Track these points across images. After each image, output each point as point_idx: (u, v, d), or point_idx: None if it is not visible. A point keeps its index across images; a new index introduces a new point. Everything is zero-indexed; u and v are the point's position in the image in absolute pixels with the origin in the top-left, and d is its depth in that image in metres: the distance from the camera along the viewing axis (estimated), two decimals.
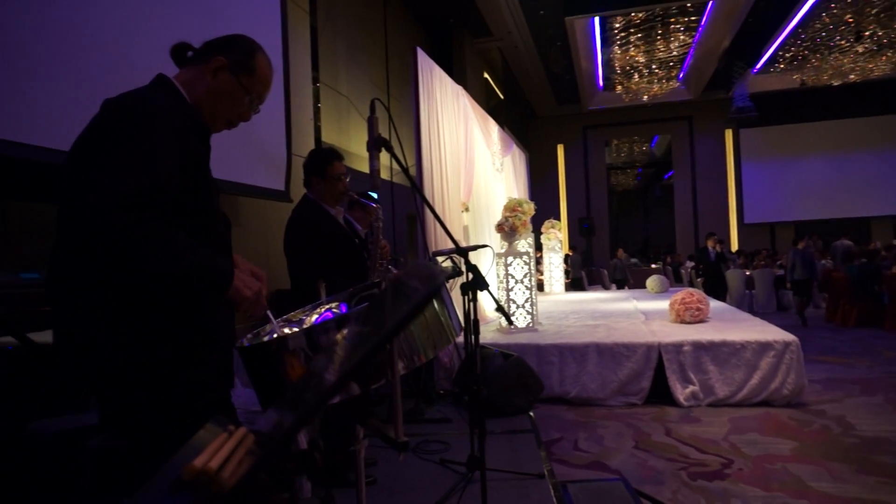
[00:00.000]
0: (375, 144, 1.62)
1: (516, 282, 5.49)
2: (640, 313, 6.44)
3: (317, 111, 6.18)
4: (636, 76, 13.18)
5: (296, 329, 1.61)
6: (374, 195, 3.23)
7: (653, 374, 4.49)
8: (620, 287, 13.32)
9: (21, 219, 2.58)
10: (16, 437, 1.89)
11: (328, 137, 6.77)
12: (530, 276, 5.53)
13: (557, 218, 12.06)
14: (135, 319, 1.30)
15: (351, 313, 1.31)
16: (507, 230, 5.58)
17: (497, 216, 7.06)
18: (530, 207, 5.92)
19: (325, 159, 2.85)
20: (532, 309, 5.53)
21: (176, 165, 1.32)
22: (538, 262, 10.47)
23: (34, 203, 2.60)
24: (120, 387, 1.30)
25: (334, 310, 1.72)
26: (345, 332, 1.19)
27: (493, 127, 8.65)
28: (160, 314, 1.32)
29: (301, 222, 2.80)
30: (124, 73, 2.79)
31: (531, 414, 4.06)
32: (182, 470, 0.74)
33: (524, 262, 5.51)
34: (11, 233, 2.54)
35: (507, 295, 5.49)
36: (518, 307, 5.48)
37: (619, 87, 14.00)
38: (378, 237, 2.85)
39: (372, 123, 1.65)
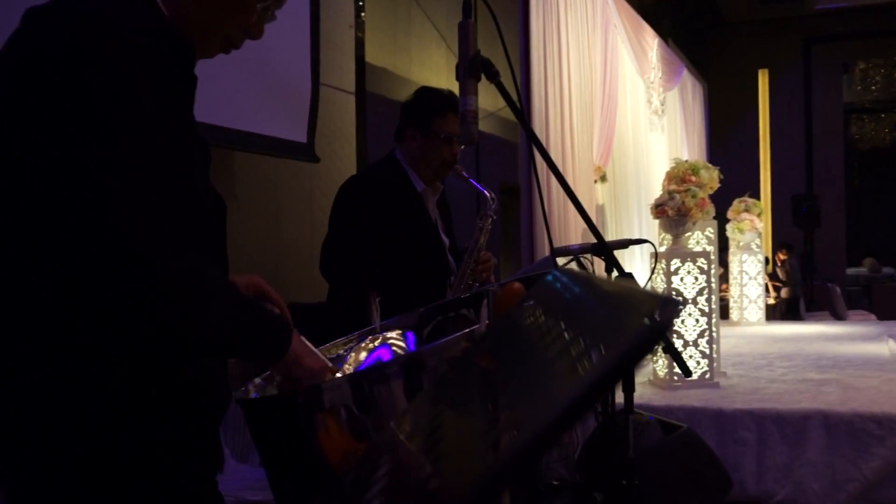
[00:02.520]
0: (473, 70, 1.61)
1: (685, 302, 5.39)
2: None
3: (360, 13, 6.27)
4: None
5: (337, 374, 1.61)
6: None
7: None
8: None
9: None
10: None
11: (378, 56, 6.85)
12: (709, 294, 5.42)
13: (756, 196, 11.60)
14: (67, 366, 1.35)
15: (426, 367, 1.30)
16: (672, 215, 5.48)
17: (654, 191, 6.91)
18: (712, 176, 5.81)
19: (433, 105, 3.02)
20: (711, 349, 5.44)
21: (160, 129, 1.36)
22: (722, 268, 10.24)
23: None
24: (33, 471, 1.34)
25: (395, 343, 1.72)
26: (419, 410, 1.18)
27: (652, 40, 8.51)
28: (103, 352, 1.36)
29: (367, 187, 2.96)
30: None
31: None
32: None
33: (700, 268, 5.41)
34: None
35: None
36: (687, 345, 5.39)
37: None
38: (481, 244, 2.97)
39: (467, 34, 1.64)
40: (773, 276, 12.77)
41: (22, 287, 1.37)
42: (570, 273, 1.08)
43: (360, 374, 1.38)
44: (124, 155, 1.29)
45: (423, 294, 2.83)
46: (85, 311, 1.35)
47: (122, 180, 1.27)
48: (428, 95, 3.09)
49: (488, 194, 3.11)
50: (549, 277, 1.04)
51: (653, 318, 0.54)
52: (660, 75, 8.91)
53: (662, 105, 9.25)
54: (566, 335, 0.69)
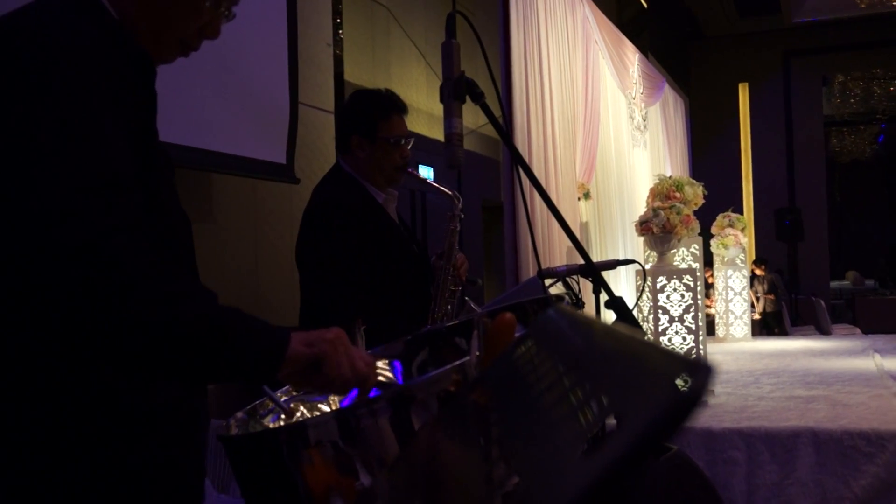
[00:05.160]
0: (458, 92, 1.58)
1: (671, 320, 5.40)
2: (891, 378, 6.26)
3: (338, 32, 6.26)
4: None
5: (322, 407, 1.60)
6: (428, 173, 3.28)
7: None
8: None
9: None
10: None
11: (357, 74, 6.84)
12: (696, 311, 5.42)
13: (739, 210, 11.66)
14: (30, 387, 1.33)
15: (415, 401, 1.27)
16: (657, 232, 5.49)
17: (638, 207, 6.91)
18: (696, 192, 5.84)
19: (377, 109, 2.90)
20: None
21: (123, 137, 1.34)
22: (707, 285, 10.27)
23: None
24: None
25: (383, 373, 1.69)
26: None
27: (633, 55, 8.55)
28: (74, 374, 1.35)
29: (332, 211, 2.84)
30: None
31: None
32: None
33: (685, 285, 5.42)
34: None
35: (656, 342, 5.40)
36: None
37: None
38: (453, 247, 2.90)
39: (451, 55, 1.61)
40: (765, 292, 12.85)
41: None
42: (570, 315, 1.05)
43: (347, 409, 1.35)
44: (80, 167, 1.26)
45: (409, 306, 2.82)
46: (41, 333, 1.32)
47: (79, 192, 1.24)
48: (368, 99, 2.97)
49: (451, 193, 3.03)
50: (549, 315, 1.01)
51: (681, 387, 0.50)
52: (641, 91, 8.96)
53: (644, 120, 9.29)
54: (577, 395, 0.65)
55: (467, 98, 1.67)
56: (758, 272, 13.11)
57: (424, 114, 8.17)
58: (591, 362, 0.71)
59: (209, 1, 1.51)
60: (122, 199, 1.29)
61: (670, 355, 0.65)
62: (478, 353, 1.33)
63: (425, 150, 6.64)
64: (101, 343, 1.27)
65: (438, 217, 4.71)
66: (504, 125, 1.78)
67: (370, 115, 2.89)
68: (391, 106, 2.91)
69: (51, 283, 1.23)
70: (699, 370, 0.56)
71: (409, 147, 2.92)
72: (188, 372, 1.35)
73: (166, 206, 1.48)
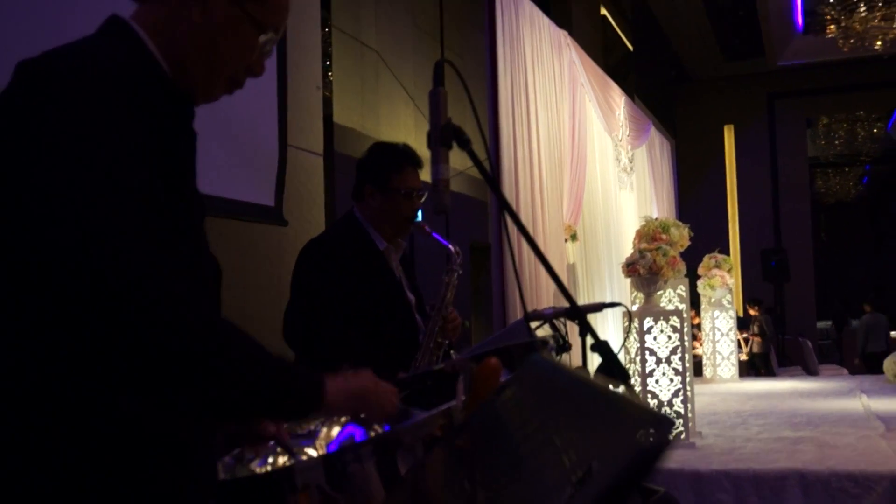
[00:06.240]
0: (444, 138, 1.60)
1: (658, 361, 5.41)
2: (877, 419, 6.29)
3: (327, 74, 6.32)
4: (863, 9, 12.93)
5: (309, 451, 1.59)
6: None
7: None
8: (879, 369, 12.87)
9: None
10: None
11: (346, 116, 6.89)
12: (682, 352, 5.44)
13: (725, 251, 11.73)
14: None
15: (401, 445, 1.28)
16: (644, 274, 5.52)
17: (625, 249, 6.94)
18: (682, 234, 5.87)
19: (390, 161, 3.00)
20: (686, 409, 5.44)
21: (154, 173, 1.34)
22: (695, 327, 10.28)
23: None
24: None
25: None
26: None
27: (619, 98, 8.64)
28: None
29: (333, 252, 2.90)
30: (48, 17, 2.89)
31: None
32: None
33: (672, 327, 5.44)
34: None
35: (643, 384, 5.40)
36: (662, 406, 5.39)
37: (833, 28, 13.73)
38: (447, 301, 2.93)
39: (439, 102, 1.63)
40: (752, 333, 12.87)
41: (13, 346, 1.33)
42: (550, 365, 1.07)
43: (334, 454, 1.35)
44: (120, 211, 1.27)
45: (393, 355, 2.82)
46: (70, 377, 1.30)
47: (87, 216, 1.24)
48: (384, 151, 3.07)
49: (453, 249, 3.08)
50: (531, 363, 1.03)
51: (646, 439, 0.53)
52: (628, 133, 9.04)
53: (631, 162, 9.36)
54: (554, 441, 0.68)
55: (454, 144, 1.69)
56: (752, 312, 13.14)
57: None
58: (565, 413, 0.73)
59: (262, 37, 1.53)
60: (154, 227, 1.30)
61: (638, 408, 0.67)
62: (463, 398, 1.34)
63: None
64: (133, 370, 1.26)
65: (427, 265, 4.71)
66: (491, 169, 1.80)
67: (384, 167, 2.98)
68: (405, 159, 3.01)
69: (89, 314, 1.23)
70: (662, 424, 0.58)
71: (422, 200, 2.97)
72: (221, 407, 1.34)
73: (197, 245, 1.50)
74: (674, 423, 0.57)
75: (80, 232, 1.23)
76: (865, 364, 12.72)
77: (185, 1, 1.48)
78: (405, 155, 3.03)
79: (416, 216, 3.02)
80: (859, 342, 13.16)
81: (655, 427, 0.57)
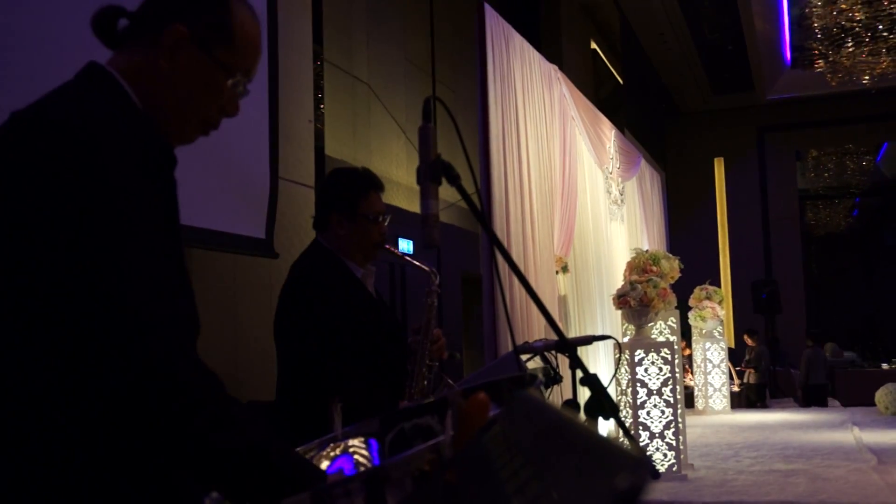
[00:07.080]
0: (433, 174, 1.61)
1: (650, 393, 5.42)
2: (869, 451, 6.27)
3: (319, 106, 6.35)
4: (850, 44, 13.05)
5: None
6: (407, 246, 3.33)
7: None
8: (821, 401, 12.90)
9: None
10: None
11: (337, 149, 6.92)
12: (674, 384, 5.45)
13: (716, 283, 11.75)
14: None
15: (390, 480, 1.28)
16: (635, 305, 5.54)
17: (616, 281, 6.96)
18: (672, 266, 5.90)
19: (356, 187, 2.96)
20: (678, 441, 5.43)
21: (160, 229, 1.40)
22: (686, 358, 10.31)
23: None
24: None
25: (358, 451, 1.68)
26: None
27: (609, 131, 8.70)
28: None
29: (310, 287, 2.87)
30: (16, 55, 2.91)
31: None
32: None
33: (664, 358, 5.45)
34: None
35: (635, 416, 5.40)
36: (654, 438, 5.38)
37: (821, 63, 13.87)
38: (431, 323, 2.90)
39: (428, 138, 1.65)
40: (746, 363, 12.88)
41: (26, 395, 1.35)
42: (538, 404, 1.08)
43: (323, 489, 1.35)
44: (132, 263, 1.32)
45: (385, 381, 2.83)
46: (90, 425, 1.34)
47: (132, 287, 1.30)
48: (347, 178, 3.04)
49: (428, 269, 3.05)
50: (517, 400, 1.04)
51: (624, 482, 0.53)
52: (618, 165, 9.09)
53: (622, 195, 9.40)
54: (533, 487, 0.69)
55: (444, 180, 1.71)
56: (749, 342, 13.15)
57: (404, 188, 8.24)
58: (550, 453, 0.74)
59: (230, 81, 1.55)
60: (177, 307, 1.39)
61: (618, 451, 0.68)
62: (452, 433, 1.34)
63: (406, 223, 6.69)
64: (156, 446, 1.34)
65: (418, 290, 4.72)
66: (481, 202, 1.82)
67: (349, 193, 2.94)
68: (369, 184, 2.97)
69: (121, 395, 1.30)
70: (641, 467, 0.60)
71: (386, 223, 2.96)
72: (227, 489, 1.38)
73: (190, 296, 1.56)
74: (652, 467, 0.58)
75: (135, 323, 1.29)
76: (807, 396, 13.18)
77: (155, 48, 1.51)
78: (368, 179, 3.00)
79: (384, 240, 3.00)
80: (801, 375, 13.54)
81: (634, 470, 0.58)
